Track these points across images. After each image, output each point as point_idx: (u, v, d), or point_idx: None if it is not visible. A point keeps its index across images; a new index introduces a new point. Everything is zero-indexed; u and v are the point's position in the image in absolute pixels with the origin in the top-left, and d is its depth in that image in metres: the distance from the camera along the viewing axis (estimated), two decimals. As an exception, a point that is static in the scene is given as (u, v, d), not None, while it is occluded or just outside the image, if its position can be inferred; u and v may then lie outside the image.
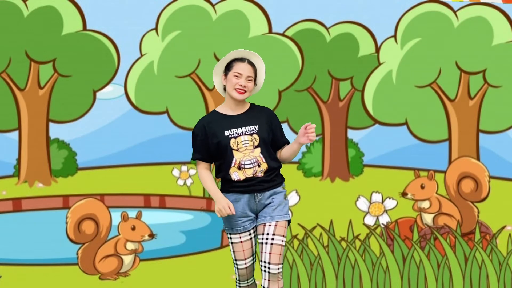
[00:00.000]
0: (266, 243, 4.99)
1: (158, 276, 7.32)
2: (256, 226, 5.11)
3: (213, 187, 5.06)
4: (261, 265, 5.01)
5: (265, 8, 8.72)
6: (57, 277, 7.23)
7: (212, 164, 5.18)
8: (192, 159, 5.14)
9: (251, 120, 5.06)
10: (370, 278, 6.87)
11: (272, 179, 5.05)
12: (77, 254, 7.09)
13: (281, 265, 5.01)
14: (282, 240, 5.02)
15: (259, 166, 5.00)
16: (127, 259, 7.17)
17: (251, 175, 5.00)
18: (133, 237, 7.09)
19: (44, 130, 8.77)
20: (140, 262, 7.22)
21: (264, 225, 5.03)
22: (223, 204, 4.96)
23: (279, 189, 5.12)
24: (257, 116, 5.09)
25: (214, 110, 5.17)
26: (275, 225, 5.03)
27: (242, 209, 5.06)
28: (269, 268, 4.97)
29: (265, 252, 4.99)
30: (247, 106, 5.14)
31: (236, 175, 5.00)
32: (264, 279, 5.01)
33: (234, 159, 5.00)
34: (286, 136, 5.22)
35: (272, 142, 5.12)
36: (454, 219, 7.47)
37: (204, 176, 5.11)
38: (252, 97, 5.35)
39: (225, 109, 5.11)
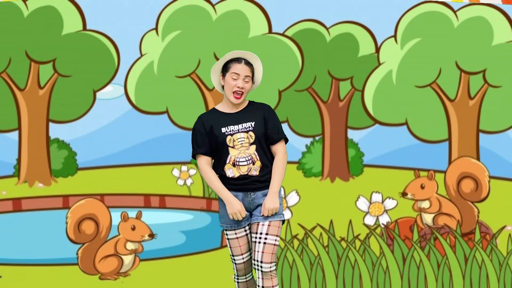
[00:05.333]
0: (259, 242, 5.11)
1: (158, 276, 7.32)
2: (250, 224, 5.20)
3: (221, 187, 5.11)
4: (254, 264, 5.14)
5: (265, 8, 8.72)
6: (57, 277, 7.23)
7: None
8: (193, 154, 5.20)
9: (248, 118, 5.16)
10: (370, 278, 6.87)
11: (266, 179, 5.13)
12: (77, 254, 7.10)
13: (273, 264, 5.12)
14: (275, 240, 5.13)
15: (253, 163, 5.10)
16: (127, 259, 7.18)
17: (246, 173, 5.07)
18: (133, 237, 7.09)
19: (44, 130, 8.77)
20: (140, 262, 7.23)
21: (258, 224, 5.14)
22: (238, 208, 5.05)
23: None
24: (254, 113, 5.18)
25: (213, 108, 5.29)
26: (268, 225, 5.14)
27: None
28: (261, 267, 5.09)
29: (258, 251, 5.11)
30: (245, 104, 5.23)
31: (230, 171, 5.11)
32: (258, 277, 5.14)
33: (229, 156, 5.10)
34: (286, 135, 5.28)
35: (266, 137, 5.17)
36: (454, 219, 7.47)
37: (209, 174, 5.14)
38: (253, 97, 5.37)
39: (224, 107, 5.22)
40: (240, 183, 5.11)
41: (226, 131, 5.11)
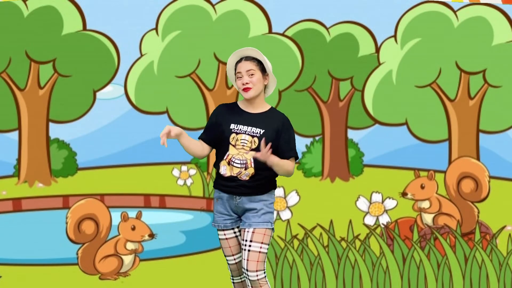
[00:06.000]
0: (245, 250, 5.06)
1: (158, 276, 7.32)
2: (240, 229, 5.16)
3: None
4: (242, 271, 5.09)
5: (265, 8, 8.72)
6: (57, 277, 7.23)
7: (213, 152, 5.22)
8: (199, 137, 5.20)
9: (261, 123, 5.07)
10: (370, 278, 6.87)
11: (255, 185, 5.06)
12: (77, 254, 7.09)
13: (260, 272, 5.03)
14: (261, 247, 5.03)
15: (246, 169, 5.03)
16: (127, 259, 7.18)
17: (235, 175, 5.03)
18: (133, 237, 7.09)
19: (44, 130, 8.78)
20: (140, 262, 7.22)
21: (244, 231, 5.08)
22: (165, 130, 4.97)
23: (264, 197, 5.11)
24: (269, 122, 5.07)
25: (235, 102, 5.22)
26: (253, 232, 5.05)
27: (224, 207, 5.14)
28: (247, 275, 5.03)
29: (244, 259, 5.06)
30: (266, 108, 5.15)
31: (224, 169, 5.06)
32: (248, 285, 5.07)
33: (227, 153, 5.05)
34: (297, 153, 5.20)
35: (275, 150, 5.07)
36: (454, 219, 7.47)
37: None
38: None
39: (243, 104, 5.15)
40: (228, 184, 5.08)
41: (234, 128, 5.05)
